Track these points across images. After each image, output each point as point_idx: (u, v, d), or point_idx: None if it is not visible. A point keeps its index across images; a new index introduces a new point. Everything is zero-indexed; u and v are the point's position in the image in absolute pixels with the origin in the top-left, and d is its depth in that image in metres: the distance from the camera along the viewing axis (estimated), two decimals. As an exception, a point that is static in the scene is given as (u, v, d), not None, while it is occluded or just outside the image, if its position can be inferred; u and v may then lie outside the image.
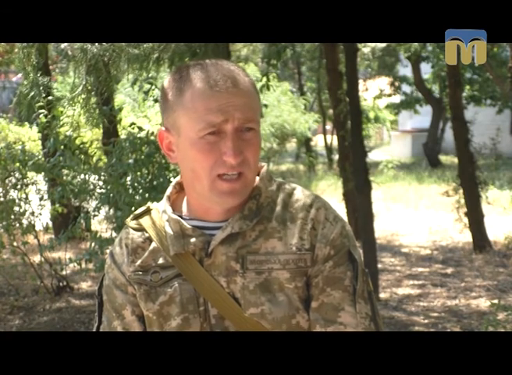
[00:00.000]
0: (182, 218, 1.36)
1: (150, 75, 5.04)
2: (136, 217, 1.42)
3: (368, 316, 1.30)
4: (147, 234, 1.39)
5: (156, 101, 5.40)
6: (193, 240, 1.33)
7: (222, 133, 1.27)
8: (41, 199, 5.79)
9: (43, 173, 5.01)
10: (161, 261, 1.36)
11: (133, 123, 4.96)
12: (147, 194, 4.50)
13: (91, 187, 4.81)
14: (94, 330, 1.43)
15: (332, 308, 1.29)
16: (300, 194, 1.36)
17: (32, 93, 4.16)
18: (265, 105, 5.07)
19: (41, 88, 4.22)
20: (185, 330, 1.33)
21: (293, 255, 1.30)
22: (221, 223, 1.33)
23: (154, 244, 1.37)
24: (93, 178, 4.81)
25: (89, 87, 4.17)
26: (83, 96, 4.13)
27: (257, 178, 1.38)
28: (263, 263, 1.30)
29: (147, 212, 1.42)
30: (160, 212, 1.40)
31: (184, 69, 1.33)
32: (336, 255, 1.31)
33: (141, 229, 1.40)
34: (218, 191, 1.28)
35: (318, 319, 1.30)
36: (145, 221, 1.40)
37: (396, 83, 21.01)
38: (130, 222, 1.42)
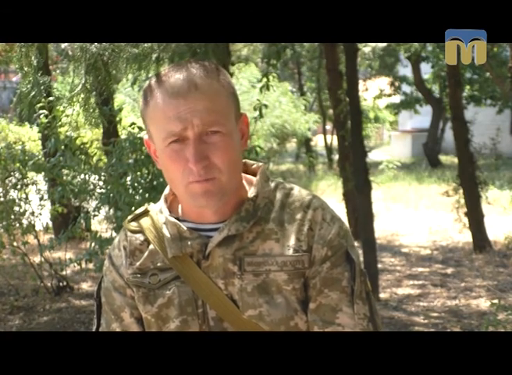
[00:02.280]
0: (179, 220, 1.36)
1: (150, 75, 5.04)
2: (134, 219, 1.41)
3: (366, 317, 1.30)
4: (145, 236, 1.38)
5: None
6: (190, 242, 1.32)
7: (185, 140, 1.26)
8: (41, 199, 5.79)
9: (43, 173, 5.01)
10: (159, 263, 1.35)
11: (133, 123, 4.96)
12: (147, 194, 4.50)
13: (91, 187, 4.80)
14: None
15: (329, 309, 1.29)
16: (298, 195, 1.36)
17: (33, 93, 4.15)
18: (265, 106, 5.05)
19: (42, 88, 4.22)
20: (184, 331, 1.33)
21: (291, 257, 1.30)
22: (215, 225, 1.33)
23: (152, 247, 1.37)
24: (93, 178, 4.81)
25: (88, 87, 4.16)
26: (82, 95, 4.12)
27: (254, 179, 1.38)
28: (260, 265, 1.30)
29: (145, 213, 1.42)
30: (157, 214, 1.40)
31: (152, 77, 1.33)
32: (333, 256, 1.30)
33: (139, 231, 1.39)
34: (192, 193, 1.27)
35: (315, 320, 1.30)
36: (143, 223, 1.40)
37: (396, 83, 21.03)
38: (128, 224, 1.41)
